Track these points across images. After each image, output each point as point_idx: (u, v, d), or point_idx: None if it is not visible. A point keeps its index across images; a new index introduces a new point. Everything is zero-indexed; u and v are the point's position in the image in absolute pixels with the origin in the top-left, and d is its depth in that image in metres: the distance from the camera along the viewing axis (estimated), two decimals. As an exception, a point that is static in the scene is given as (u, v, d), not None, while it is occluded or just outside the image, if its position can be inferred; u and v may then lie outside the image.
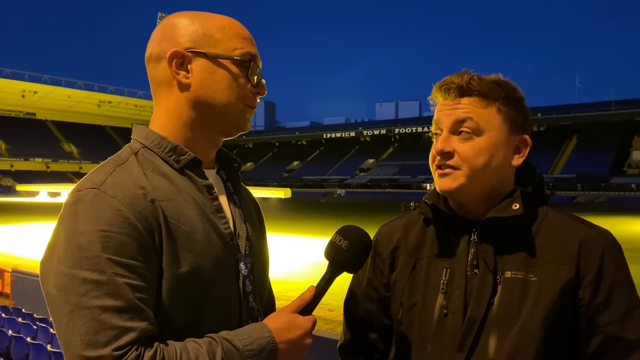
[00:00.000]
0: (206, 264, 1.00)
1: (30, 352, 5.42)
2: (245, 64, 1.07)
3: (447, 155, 1.15)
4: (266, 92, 1.13)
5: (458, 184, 1.15)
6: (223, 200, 1.11)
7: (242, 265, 1.09)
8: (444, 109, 1.18)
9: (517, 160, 1.20)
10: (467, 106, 1.15)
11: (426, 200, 1.25)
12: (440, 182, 1.17)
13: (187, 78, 1.05)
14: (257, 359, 0.95)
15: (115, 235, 0.90)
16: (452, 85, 1.17)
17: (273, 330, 0.99)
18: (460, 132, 1.15)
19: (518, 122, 1.19)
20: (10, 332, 5.92)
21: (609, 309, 1.09)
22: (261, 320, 1.04)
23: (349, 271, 1.11)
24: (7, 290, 10.48)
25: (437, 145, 1.16)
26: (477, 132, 1.15)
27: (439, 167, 1.17)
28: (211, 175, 1.11)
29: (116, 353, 0.85)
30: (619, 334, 1.09)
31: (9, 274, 10.35)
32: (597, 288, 1.09)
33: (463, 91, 1.16)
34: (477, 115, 1.15)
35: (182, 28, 1.06)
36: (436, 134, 1.20)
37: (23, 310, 7.70)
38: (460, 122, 1.15)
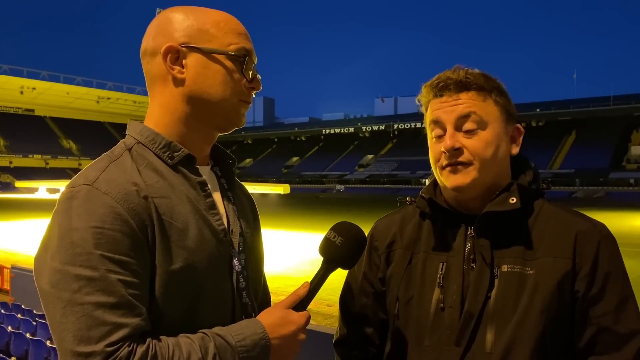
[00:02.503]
0: (199, 261, 1.00)
1: (30, 348, 5.43)
2: (240, 59, 1.06)
3: (457, 152, 1.15)
4: (261, 87, 1.12)
5: (471, 179, 1.15)
6: (217, 196, 1.11)
7: (235, 262, 1.08)
8: (444, 107, 1.17)
9: (515, 150, 1.22)
10: (468, 101, 1.16)
11: (423, 195, 1.25)
12: (453, 179, 1.16)
13: (182, 73, 1.04)
14: (249, 354, 0.95)
15: (108, 232, 0.90)
16: (450, 82, 1.17)
17: (266, 326, 0.99)
18: (465, 128, 1.15)
19: (511, 111, 1.21)
20: (9, 328, 5.93)
21: (603, 300, 1.10)
22: (255, 316, 1.04)
23: (343, 267, 1.11)
24: (7, 286, 10.49)
25: (446, 143, 1.15)
26: (482, 125, 1.15)
27: (449, 164, 1.16)
28: (205, 172, 1.11)
29: (108, 349, 0.85)
30: (611, 326, 1.10)
31: (9, 270, 10.36)
32: (592, 280, 1.10)
33: (462, 86, 1.16)
34: (479, 109, 1.15)
35: (177, 23, 1.05)
36: (438, 134, 1.19)
37: (22, 306, 7.72)
38: (465, 117, 1.15)
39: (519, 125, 1.23)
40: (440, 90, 1.18)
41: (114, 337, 0.85)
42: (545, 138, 65.40)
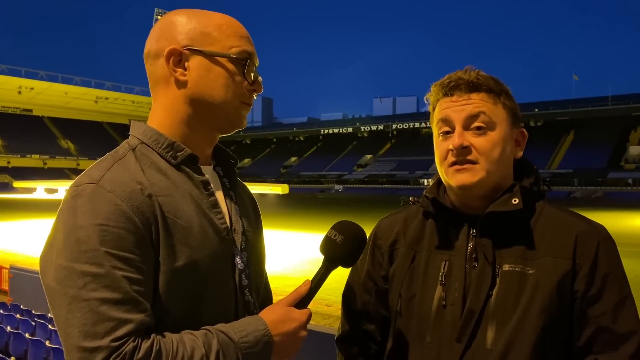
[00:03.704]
0: (202, 258, 1.01)
1: (29, 348, 5.44)
2: (242, 62, 1.08)
3: (465, 150, 1.16)
4: (262, 89, 1.14)
5: (478, 178, 1.16)
6: (219, 195, 1.13)
7: (238, 260, 1.10)
8: (454, 106, 1.19)
9: (519, 153, 1.24)
10: (478, 101, 1.17)
11: (427, 194, 1.27)
12: (459, 178, 1.17)
13: (184, 75, 1.06)
14: (252, 350, 0.97)
15: (113, 229, 0.91)
16: (461, 82, 1.18)
17: (268, 323, 1.01)
18: (473, 127, 1.17)
19: (517, 115, 1.23)
20: (8, 328, 5.92)
21: (601, 300, 1.12)
22: (257, 314, 1.05)
23: (344, 265, 1.13)
24: (5, 286, 10.49)
25: (454, 141, 1.16)
26: (490, 126, 1.17)
27: (456, 163, 1.17)
28: (208, 171, 1.12)
29: (114, 344, 0.86)
30: (609, 326, 1.11)
31: (7, 270, 10.36)
32: (591, 280, 1.12)
33: (473, 87, 1.18)
34: (489, 110, 1.17)
35: (179, 26, 1.07)
36: (446, 132, 1.20)
37: (21, 306, 7.72)
38: (474, 117, 1.17)
39: (523, 129, 1.25)
40: (451, 89, 1.19)
41: (119, 332, 0.87)
42: (544, 138, 65.44)
